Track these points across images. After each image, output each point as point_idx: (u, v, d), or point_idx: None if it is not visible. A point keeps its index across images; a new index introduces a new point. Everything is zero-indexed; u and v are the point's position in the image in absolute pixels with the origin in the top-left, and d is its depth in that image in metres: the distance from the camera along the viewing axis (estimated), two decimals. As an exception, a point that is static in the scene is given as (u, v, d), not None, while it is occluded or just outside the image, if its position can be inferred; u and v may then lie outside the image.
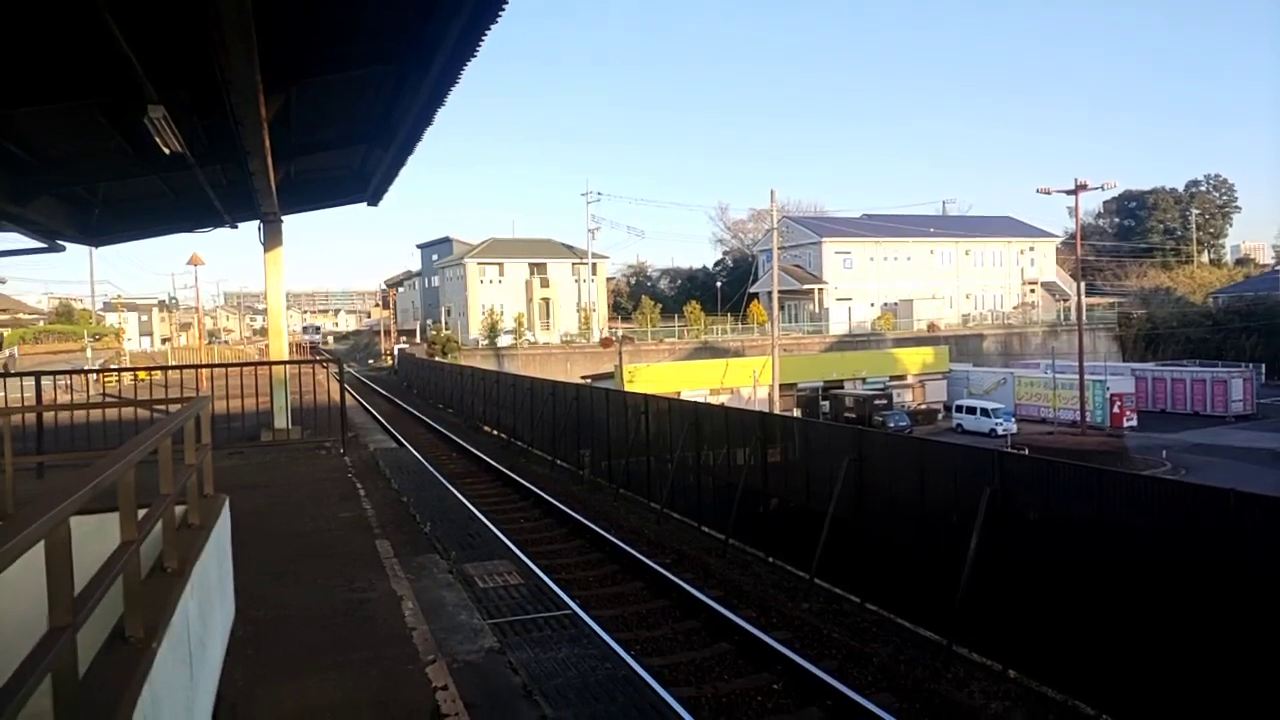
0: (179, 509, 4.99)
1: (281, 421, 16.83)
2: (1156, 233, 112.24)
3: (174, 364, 41.09)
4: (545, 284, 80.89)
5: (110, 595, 2.92)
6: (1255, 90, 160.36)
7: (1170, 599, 9.45)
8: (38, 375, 14.75)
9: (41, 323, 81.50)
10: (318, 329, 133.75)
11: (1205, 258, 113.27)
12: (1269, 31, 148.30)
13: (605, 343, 66.81)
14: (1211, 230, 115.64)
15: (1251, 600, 8.69)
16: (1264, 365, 64.26)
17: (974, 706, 10.16)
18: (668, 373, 50.64)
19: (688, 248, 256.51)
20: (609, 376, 49.61)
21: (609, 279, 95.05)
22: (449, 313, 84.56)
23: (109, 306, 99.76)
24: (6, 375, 16.10)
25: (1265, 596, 8.60)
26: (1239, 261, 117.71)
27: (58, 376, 19.82)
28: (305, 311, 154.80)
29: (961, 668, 11.31)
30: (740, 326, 75.67)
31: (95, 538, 3.88)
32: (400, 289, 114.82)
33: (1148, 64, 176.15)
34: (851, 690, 9.85)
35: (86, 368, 36.57)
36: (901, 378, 55.77)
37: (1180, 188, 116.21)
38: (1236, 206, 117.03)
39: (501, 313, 73.51)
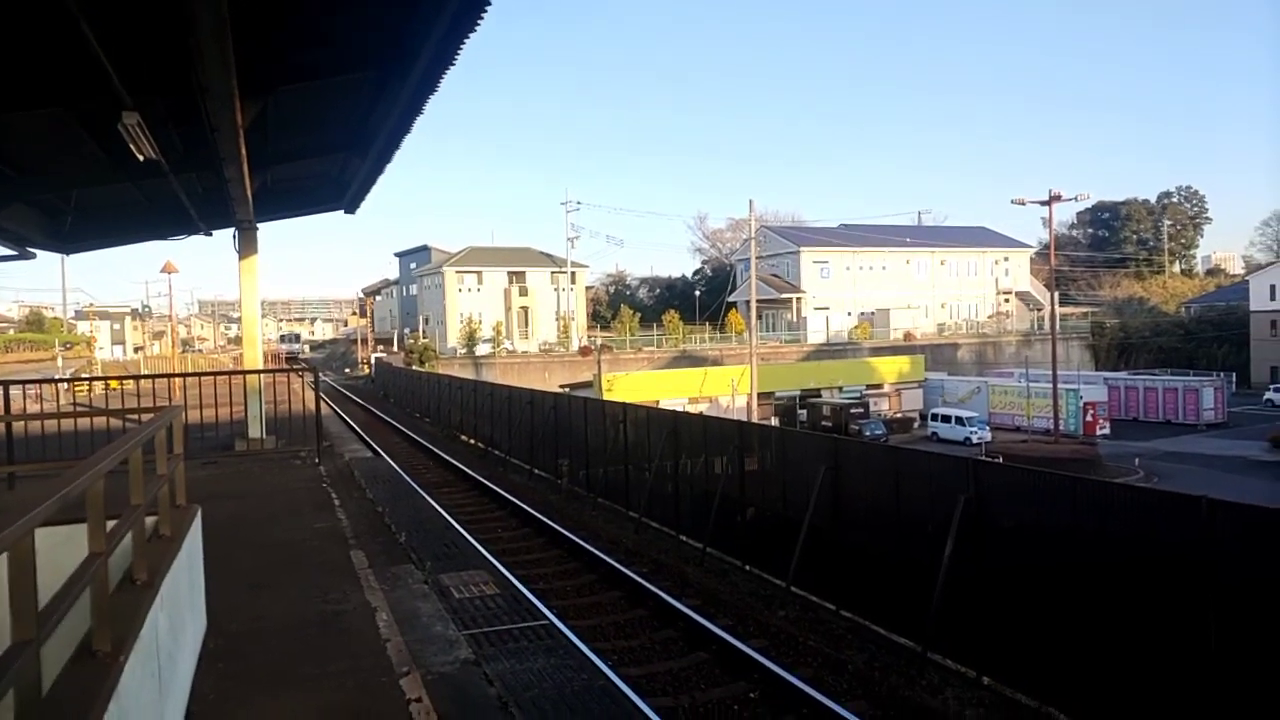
0: (150, 520, 4.93)
1: (256, 431, 16.69)
2: (1129, 243, 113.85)
3: (146, 373, 40.63)
4: (524, 293, 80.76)
5: (78, 608, 2.89)
6: (1226, 102, 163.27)
7: (1143, 605, 9.54)
8: (7, 384, 14.53)
9: (11, 331, 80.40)
10: (297, 337, 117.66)
11: (1177, 268, 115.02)
12: (1239, 45, 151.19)
13: (584, 351, 66.84)
14: (1183, 241, 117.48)
15: (1223, 604, 8.80)
16: (1235, 374, 65.30)
17: (948, 713, 10.22)
18: (646, 381, 50.67)
19: (666, 257, 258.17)
20: (588, 385, 49.57)
21: (588, 288, 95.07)
22: (427, 321, 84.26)
23: (81, 315, 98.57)
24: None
25: (1236, 600, 8.71)
26: (1210, 272, 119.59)
27: (28, 386, 19.56)
28: (281, 320, 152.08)
29: (936, 675, 11.36)
30: (719, 335, 75.89)
31: (65, 549, 3.83)
32: (378, 297, 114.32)
33: (1120, 76, 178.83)
34: (827, 698, 9.87)
35: (57, 377, 36.09)
36: (878, 386, 56.12)
37: (1153, 199, 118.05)
38: (1207, 218, 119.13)
39: (480, 321, 73.30)
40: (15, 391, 15.12)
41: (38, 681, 2.44)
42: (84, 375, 41.54)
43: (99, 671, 3.01)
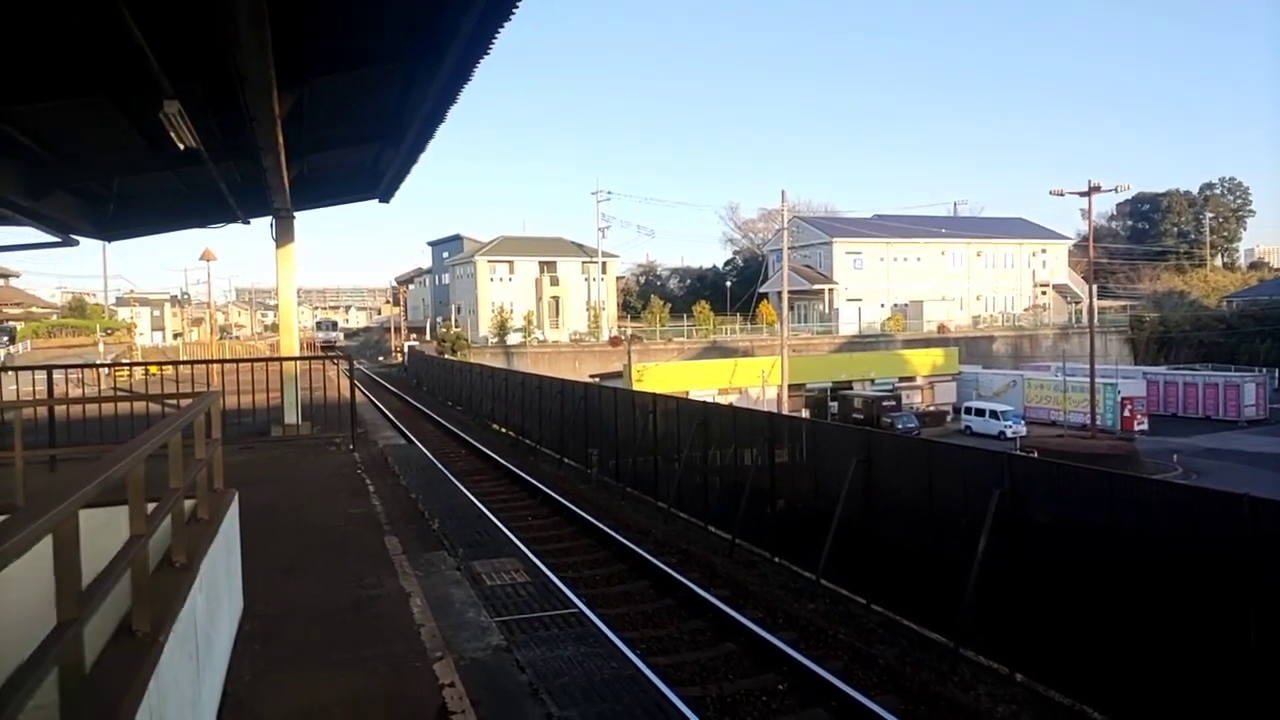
0: (188, 503, 5.01)
1: (291, 417, 16.90)
2: (1170, 236, 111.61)
3: (185, 359, 41.28)
4: (555, 282, 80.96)
5: (118, 589, 2.94)
6: (1271, 92, 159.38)
7: (1180, 603, 9.40)
8: (50, 369, 14.83)
9: (54, 316, 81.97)
10: (334, 324, 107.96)
11: (1219, 261, 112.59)
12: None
13: (614, 341, 66.87)
14: (1225, 233, 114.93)
15: (1264, 604, 8.64)
16: (1277, 370, 63.88)
17: (980, 710, 10.12)
18: (676, 372, 50.62)
19: (697, 247, 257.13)
20: (618, 375, 49.63)
21: (618, 278, 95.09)
22: (459, 310, 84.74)
23: (121, 301, 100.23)
24: (17, 369, 16.18)
25: (1278, 599, 8.54)
26: (1253, 265, 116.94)
27: (70, 370, 19.95)
28: (316, 308, 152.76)
29: (968, 671, 11.27)
30: (749, 326, 75.60)
31: (105, 531, 3.90)
32: (410, 286, 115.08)
33: (1162, 65, 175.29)
34: (857, 692, 9.82)
35: (98, 362, 36.77)
36: (911, 379, 55.64)
37: (1194, 190, 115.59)
38: (1251, 210, 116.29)
39: (511, 311, 73.64)
40: (58, 376, 15.41)
41: (81, 659, 2.48)
42: (124, 361, 42.29)
43: (139, 651, 3.06)
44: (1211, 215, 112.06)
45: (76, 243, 15.40)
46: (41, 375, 14.66)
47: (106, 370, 26.55)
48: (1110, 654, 10.03)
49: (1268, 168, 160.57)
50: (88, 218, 14.82)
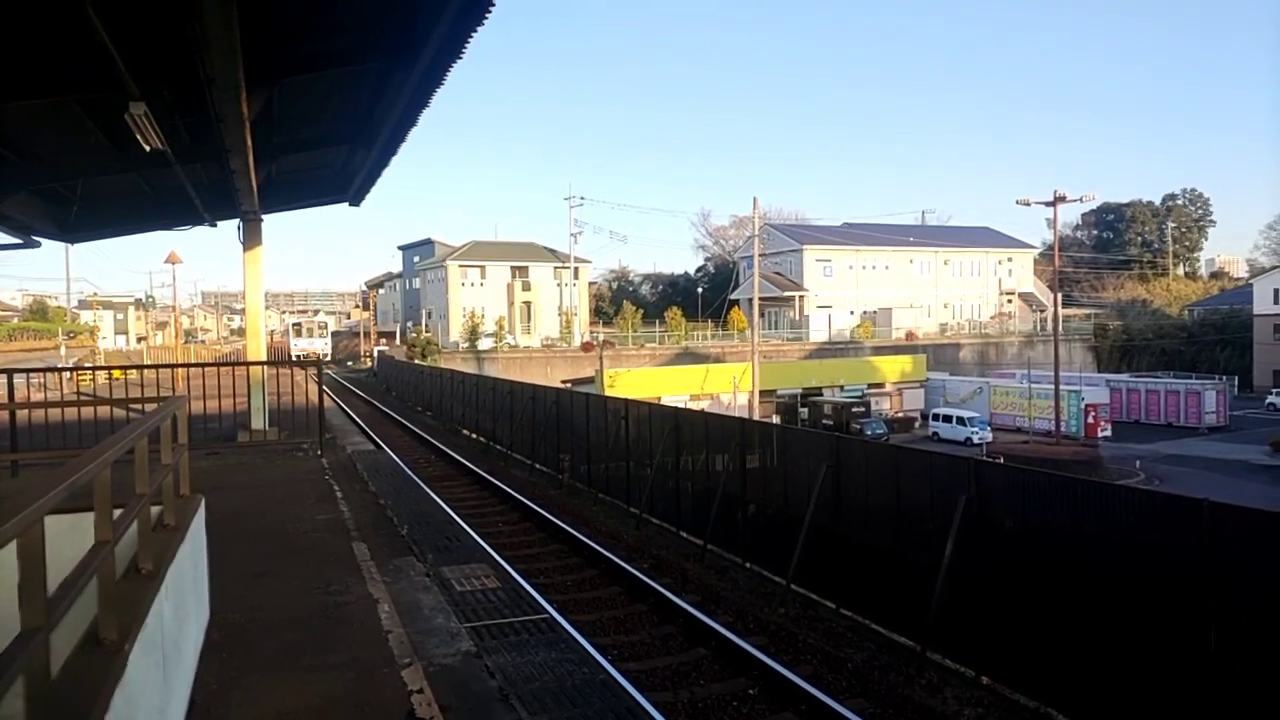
0: (155, 509, 4.95)
1: (259, 423, 16.71)
2: (1134, 245, 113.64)
3: (150, 363, 40.69)
4: (527, 287, 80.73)
5: (84, 596, 2.90)
6: (1232, 105, 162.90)
7: (1143, 607, 9.55)
8: (10, 373, 14.57)
9: (15, 320, 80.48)
10: (325, 327, 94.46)
11: (1181, 270, 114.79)
12: (1248, 47, 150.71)
13: (586, 347, 66.84)
14: (1187, 243, 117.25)
15: (1223, 607, 8.80)
16: (1237, 377, 65.25)
17: (947, 713, 10.22)
18: (648, 378, 50.65)
19: (669, 253, 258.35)
20: (590, 381, 49.59)
21: (591, 283, 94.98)
22: (430, 315, 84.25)
23: (84, 304, 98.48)
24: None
25: (1236, 602, 8.72)
26: (1214, 275, 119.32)
27: (31, 374, 19.59)
28: (284, 311, 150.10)
29: (935, 674, 11.37)
30: (721, 333, 75.88)
31: (70, 538, 3.84)
32: (381, 290, 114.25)
33: (1127, 78, 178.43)
34: (826, 695, 9.87)
35: (60, 366, 36.13)
36: (879, 386, 56.10)
37: (1157, 201, 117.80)
38: (1212, 220, 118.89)
39: (482, 316, 73.29)
40: (19, 380, 15.14)
41: (46, 668, 2.45)
42: (87, 365, 41.58)
43: (105, 659, 3.02)
44: (1174, 225, 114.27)
45: (39, 244, 15.17)
46: (1, 379, 14.39)
47: (69, 374, 26.11)
48: (1074, 656, 10.17)
49: (1229, 179, 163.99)
50: (50, 219, 14.60)
